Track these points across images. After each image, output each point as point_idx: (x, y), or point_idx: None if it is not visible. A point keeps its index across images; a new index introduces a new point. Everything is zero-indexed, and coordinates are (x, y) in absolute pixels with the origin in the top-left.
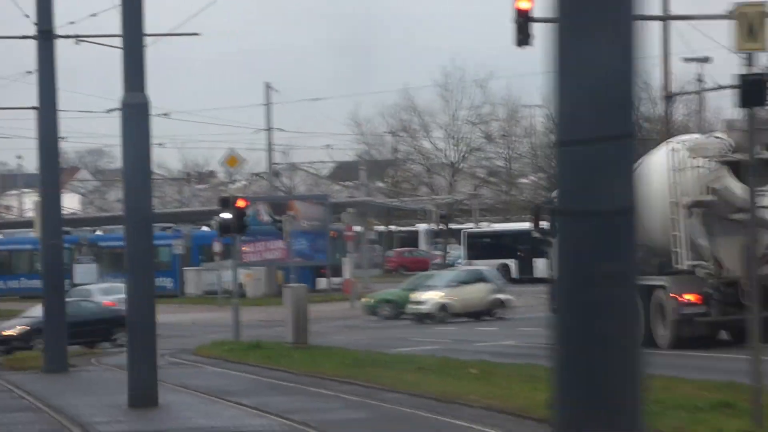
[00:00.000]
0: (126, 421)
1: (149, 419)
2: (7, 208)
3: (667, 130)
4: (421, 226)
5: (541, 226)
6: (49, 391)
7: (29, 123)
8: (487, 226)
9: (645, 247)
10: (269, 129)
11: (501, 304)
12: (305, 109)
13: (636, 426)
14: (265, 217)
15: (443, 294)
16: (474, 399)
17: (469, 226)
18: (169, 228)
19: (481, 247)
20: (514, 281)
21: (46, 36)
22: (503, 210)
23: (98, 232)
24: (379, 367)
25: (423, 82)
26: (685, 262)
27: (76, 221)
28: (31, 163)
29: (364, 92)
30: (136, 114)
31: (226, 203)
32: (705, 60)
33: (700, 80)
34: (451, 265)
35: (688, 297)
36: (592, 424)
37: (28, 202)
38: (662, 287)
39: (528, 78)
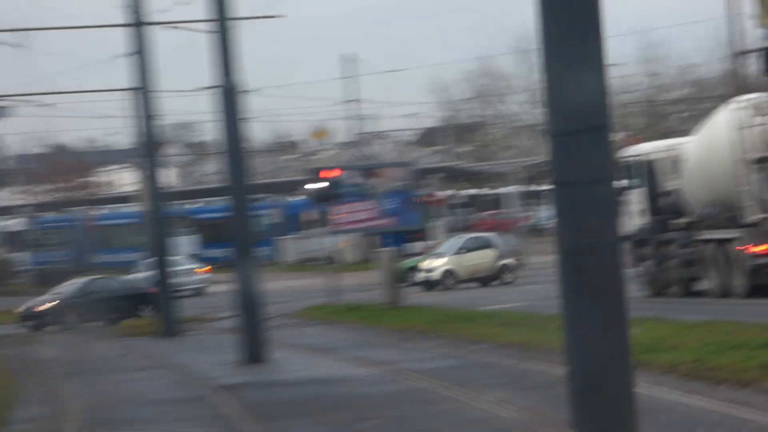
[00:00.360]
0: (241, 374)
1: (261, 372)
2: (99, 184)
3: (735, 89)
4: (508, 189)
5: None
6: (167, 352)
7: (115, 103)
8: None
9: (717, 201)
10: (348, 101)
11: (507, 269)
12: (388, 78)
13: (624, 339)
14: (355, 185)
15: (449, 261)
16: (555, 346)
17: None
18: (265, 198)
19: None
20: None
21: (145, 23)
22: None
23: (197, 205)
24: (467, 322)
25: (500, 48)
26: (753, 216)
27: (175, 194)
28: (120, 140)
29: (444, 60)
30: (229, 94)
31: (319, 173)
32: None
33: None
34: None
35: (760, 248)
36: (588, 332)
37: (122, 178)
38: (734, 240)
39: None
